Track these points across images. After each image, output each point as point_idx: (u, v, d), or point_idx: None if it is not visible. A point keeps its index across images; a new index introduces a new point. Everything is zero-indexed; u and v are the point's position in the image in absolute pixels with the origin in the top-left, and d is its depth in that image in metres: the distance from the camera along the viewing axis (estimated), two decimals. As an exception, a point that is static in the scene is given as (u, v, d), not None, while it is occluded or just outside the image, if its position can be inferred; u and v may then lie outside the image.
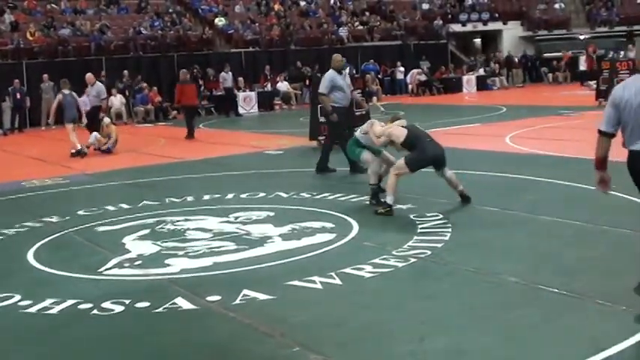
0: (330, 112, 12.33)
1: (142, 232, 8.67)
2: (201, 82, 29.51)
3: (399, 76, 34.97)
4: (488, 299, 5.82)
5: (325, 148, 12.82)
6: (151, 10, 33.45)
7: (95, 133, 17.50)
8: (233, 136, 20.61)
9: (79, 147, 16.89)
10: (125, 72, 28.32)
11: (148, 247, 7.90)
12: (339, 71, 12.60)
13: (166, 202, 10.58)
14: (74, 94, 17.85)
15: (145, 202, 10.61)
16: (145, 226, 8.94)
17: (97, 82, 18.64)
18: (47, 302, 6.20)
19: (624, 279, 5.80)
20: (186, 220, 9.17)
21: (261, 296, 6.07)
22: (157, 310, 5.87)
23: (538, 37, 41.94)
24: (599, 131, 5.56)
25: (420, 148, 9.10)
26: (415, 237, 7.75)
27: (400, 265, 6.78)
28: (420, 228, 8.15)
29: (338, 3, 39.33)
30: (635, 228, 7.25)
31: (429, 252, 7.17)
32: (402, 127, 9.35)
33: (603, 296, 5.61)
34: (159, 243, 8.04)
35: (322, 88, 12.53)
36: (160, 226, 8.89)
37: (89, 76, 18.83)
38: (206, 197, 10.73)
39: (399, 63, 34.90)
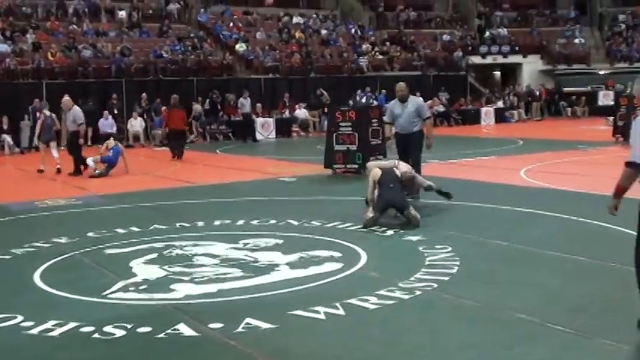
0: (386, 139, 13.09)
1: (149, 256, 8.66)
2: (219, 107, 29.74)
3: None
4: (492, 335, 5.75)
5: None
6: (172, 35, 33.76)
7: (91, 158, 17.63)
8: (248, 162, 20.65)
9: (41, 167, 17.82)
10: (144, 95, 28.53)
11: (155, 272, 7.88)
12: (402, 100, 12.74)
13: (177, 226, 10.58)
14: (54, 115, 19.00)
15: (155, 225, 10.61)
16: (154, 250, 8.93)
17: (75, 107, 18.38)
18: (49, 324, 6.19)
19: (630, 317, 5.74)
20: (195, 245, 9.15)
21: (264, 325, 6.02)
22: (158, 336, 5.84)
23: (557, 72, 41.96)
24: (628, 163, 5.59)
25: (379, 193, 10.06)
26: (423, 269, 7.69)
27: (406, 297, 6.72)
28: (429, 260, 8.08)
29: (359, 32, 39.55)
30: None
31: (436, 285, 7.10)
32: (380, 168, 10.36)
33: (609, 335, 5.54)
34: (166, 268, 8.02)
35: (385, 116, 13.27)
36: (168, 251, 8.87)
37: (66, 100, 18.54)
38: (217, 223, 10.72)
39: (417, 93, 34.79)
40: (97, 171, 17.14)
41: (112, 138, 19.33)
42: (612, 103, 34.14)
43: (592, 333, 5.63)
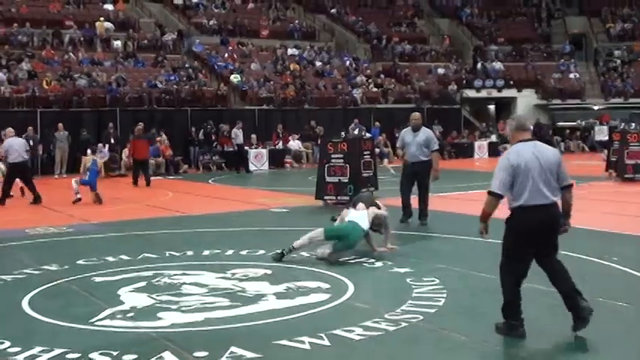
0: (405, 161, 13.49)
1: (138, 284, 8.69)
2: (213, 137, 29.84)
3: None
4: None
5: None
6: (167, 65, 33.91)
7: (74, 180, 17.70)
8: (240, 193, 20.71)
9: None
10: (141, 124, 28.52)
11: (143, 300, 7.91)
12: (414, 129, 13.29)
13: (166, 255, 10.61)
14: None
15: (145, 254, 10.64)
16: (142, 279, 8.95)
17: (16, 138, 18.02)
18: (36, 350, 6.21)
19: (615, 354, 5.81)
20: (184, 274, 9.18)
21: (248, 354, 6.06)
22: (143, 364, 5.87)
23: (552, 106, 42.20)
24: (489, 192, 6.53)
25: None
26: (409, 301, 7.73)
27: (391, 329, 6.76)
28: (415, 292, 8.13)
29: (354, 64, 39.80)
30: (630, 301, 7.46)
31: (422, 317, 7.14)
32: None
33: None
34: (154, 296, 8.05)
35: (397, 143, 14.01)
36: (156, 280, 8.90)
37: (8, 130, 18.36)
38: (206, 252, 10.76)
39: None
40: (78, 195, 17.16)
41: (89, 151, 19.22)
42: (606, 138, 34.51)
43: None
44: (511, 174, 6.27)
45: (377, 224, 10.46)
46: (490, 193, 6.43)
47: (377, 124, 33.94)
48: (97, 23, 35.27)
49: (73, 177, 18.68)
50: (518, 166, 6.24)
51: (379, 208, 10.66)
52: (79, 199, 17.13)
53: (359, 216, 10.29)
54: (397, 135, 31.77)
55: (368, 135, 25.15)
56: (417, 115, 13.65)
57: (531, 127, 7.07)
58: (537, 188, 6.23)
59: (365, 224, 10.18)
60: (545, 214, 6.27)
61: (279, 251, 10.08)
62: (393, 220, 11.64)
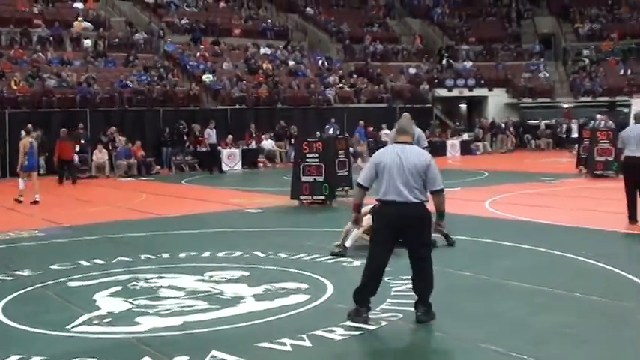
0: None
1: (114, 288, 8.56)
2: (186, 137, 29.65)
3: (385, 138, 34.75)
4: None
5: None
6: (138, 64, 33.61)
7: (20, 180, 17.53)
8: (214, 194, 20.58)
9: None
10: (114, 128, 28.35)
11: (119, 304, 7.80)
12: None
13: (142, 258, 10.48)
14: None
15: (120, 257, 10.50)
16: (118, 283, 8.83)
17: None
18: (13, 358, 6.08)
19: (593, 347, 5.83)
20: (160, 277, 9.08)
21: (230, 357, 5.99)
22: (122, 369, 5.78)
23: (522, 105, 42.51)
24: (357, 184, 7.20)
25: None
26: (389, 299, 7.71)
27: (372, 327, 6.73)
28: (394, 291, 8.11)
29: (326, 64, 39.77)
30: (606, 295, 7.46)
31: (401, 315, 7.13)
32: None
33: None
34: (130, 300, 7.94)
35: (389, 142, 13.72)
36: (132, 283, 8.79)
37: None
38: (182, 255, 10.64)
39: (384, 125, 34.86)
40: (21, 197, 17.18)
41: (23, 133, 18.75)
42: (577, 135, 34.87)
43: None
44: (373, 170, 6.94)
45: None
46: (357, 184, 7.14)
47: (361, 123, 33.97)
48: (75, 22, 34.90)
49: (48, 178, 18.43)
50: (380, 163, 6.91)
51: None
52: (21, 202, 17.02)
53: None
54: (357, 134, 32.16)
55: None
56: (407, 115, 13.75)
57: (413, 132, 7.77)
58: (395, 186, 6.78)
59: None
60: (401, 210, 6.78)
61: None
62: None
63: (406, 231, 6.87)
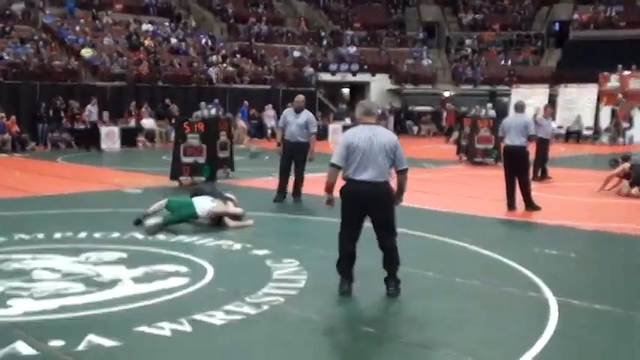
0: (277, 144, 14.14)
1: (-16, 269, 8.23)
2: (63, 113, 28.73)
3: (268, 120, 34.60)
4: (341, 347, 5.87)
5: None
6: (15, 36, 32.30)
7: None
8: (92, 172, 20.03)
9: None
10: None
11: (-10, 287, 7.49)
12: (297, 110, 13.70)
13: (15, 238, 10.06)
14: None
15: (-10, 237, 10.10)
16: (-11, 264, 8.49)
17: None
18: None
19: (472, 330, 6.02)
20: (34, 258, 8.75)
21: (107, 342, 5.85)
22: (-8, 355, 5.56)
23: (405, 91, 43.26)
24: (330, 164, 7.47)
25: None
26: (270, 283, 7.72)
27: (253, 312, 6.72)
28: (276, 274, 8.12)
29: (209, 43, 39.31)
30: (485, 280, 7.72)
31: (283, 299, 7.14)
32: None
33: (451, 346, 5.79)
34: (2, 282, 7.63)
35: (280, 122, 14.31)
36: (5, 264, 8.44)
37: None
38: (57, 235, 10.30)
39: (270, 106, 34.69)
40: None
41: None
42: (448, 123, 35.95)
43: (437, 346, 5.83)
44: (346, 149, 7.23)
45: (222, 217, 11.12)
46: (331, 164, 7.37)
47: (245, 103, 33.77)
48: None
49: None
50: (352, 143, 7.22)
51: (236, 205, 11.39)
52: None
53: (202, 201, 11.03)
54: (240, 114, 31.98)
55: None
56: (301, 97, 14.21)
57: (377, 112, 7.92)
58: (365, 166, 7.17)
59: (201, 210, 10.91)
60: (369, 188, 7.18)
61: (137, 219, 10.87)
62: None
63: (370, 206, 7.26)
